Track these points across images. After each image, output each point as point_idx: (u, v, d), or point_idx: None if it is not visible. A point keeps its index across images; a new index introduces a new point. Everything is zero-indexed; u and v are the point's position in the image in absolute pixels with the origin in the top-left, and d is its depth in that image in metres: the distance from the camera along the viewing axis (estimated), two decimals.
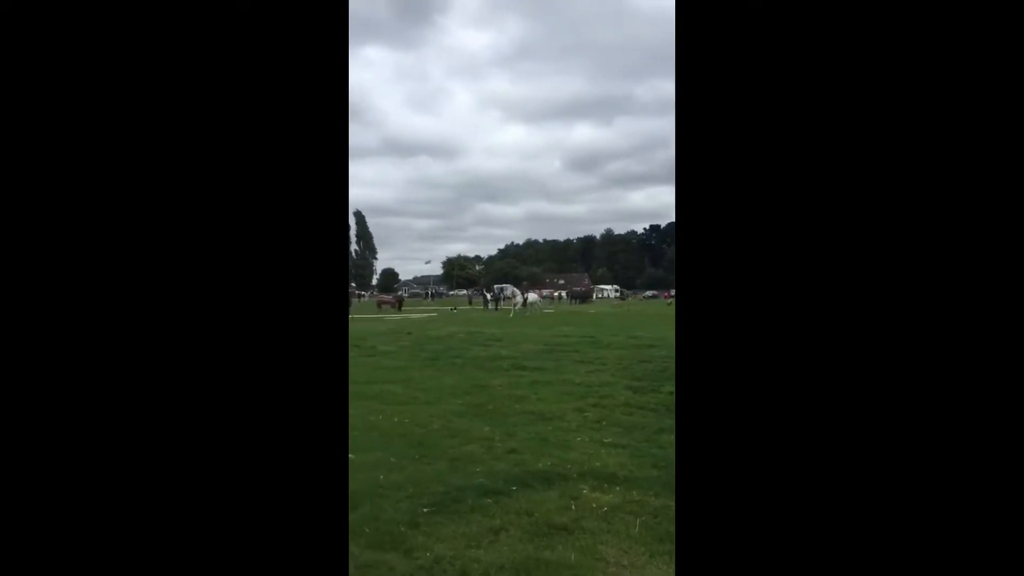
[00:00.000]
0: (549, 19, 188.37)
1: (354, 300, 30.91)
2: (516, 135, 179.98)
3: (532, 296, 26.27)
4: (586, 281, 79.02)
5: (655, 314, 25.64)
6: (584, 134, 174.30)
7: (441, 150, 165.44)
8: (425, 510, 2.94)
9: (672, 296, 50.60)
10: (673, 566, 2.34)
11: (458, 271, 79.33)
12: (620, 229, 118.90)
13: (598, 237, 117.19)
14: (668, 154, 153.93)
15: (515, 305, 25.22)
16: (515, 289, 29.86)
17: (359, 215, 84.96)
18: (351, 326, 17.86)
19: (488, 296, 35.57)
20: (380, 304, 31.57)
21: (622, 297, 64.66)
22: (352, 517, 2.87)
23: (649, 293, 73.55)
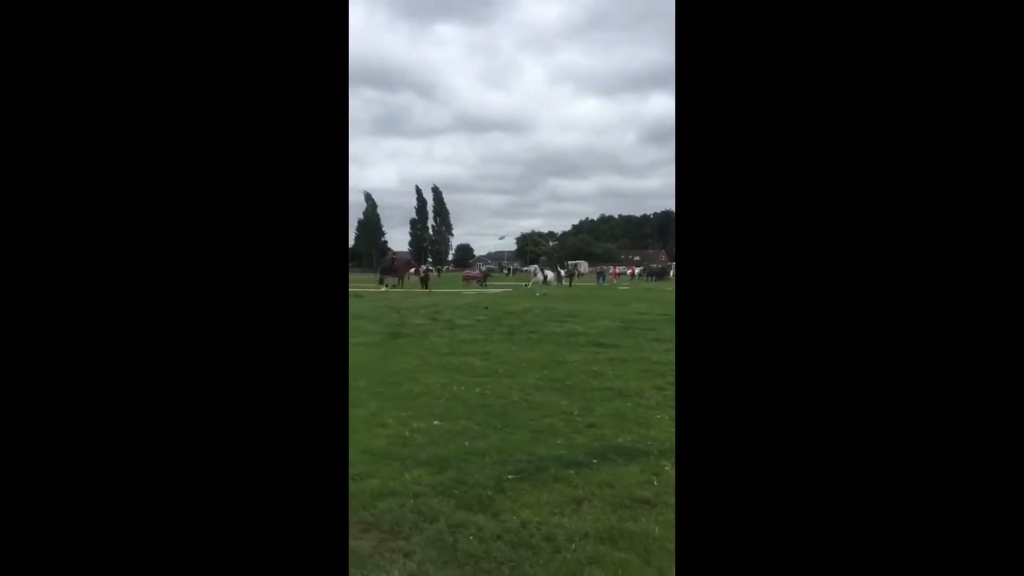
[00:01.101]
0: None
1: (433, 274, 31.58)
2: (589, 108, 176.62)
3: (550, 274, 25.53)
4: (663, 257, 76.95)
5: None
6: (659, 105, 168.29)
7: (513, 125, 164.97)
8: (510, 477, 3.07)
9: None
10: None
11: (532, 247, 79.52)
12: None
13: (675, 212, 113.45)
14: None
15: (536, 282, 24.58)
16: (536, 267, 29.20)
17: (436, 191, 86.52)
18: (430, 299, 18.10)
19: (562, 272, 35.61)
20: (467, 279, 32.15)
21: None
22: (441, 478, 3.05)
23: None
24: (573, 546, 2.35)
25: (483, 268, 45.21)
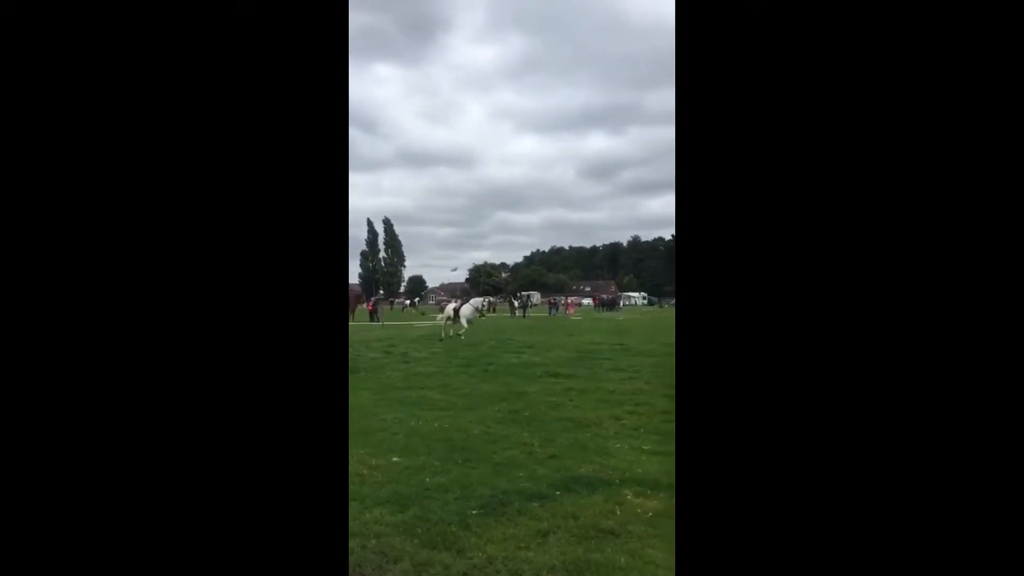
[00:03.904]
0: (550, 34, 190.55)
1: (386, 307, 30.96)
2: (530, 145, 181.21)
3: (466, 309, 16.30)
4: (613, 288, 78.54)
5: None
6: (597, 143, 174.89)
7: (457, 160, 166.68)
8: (474, 512, 3.02)
9: None
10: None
11: (485, 278, 79.65)
12: (642, 236, 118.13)
13: (624, 244, 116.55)
14: None
15: (446, 320, 16.03)
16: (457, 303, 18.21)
17: (387, 222, 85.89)
18: (382, 332, 17.65)
19: (516, 303, 35.70)
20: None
21: (651, 303, 64.11)
22: (404, 517, 2.97)
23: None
24: None
25: (523, 296, 43.68)
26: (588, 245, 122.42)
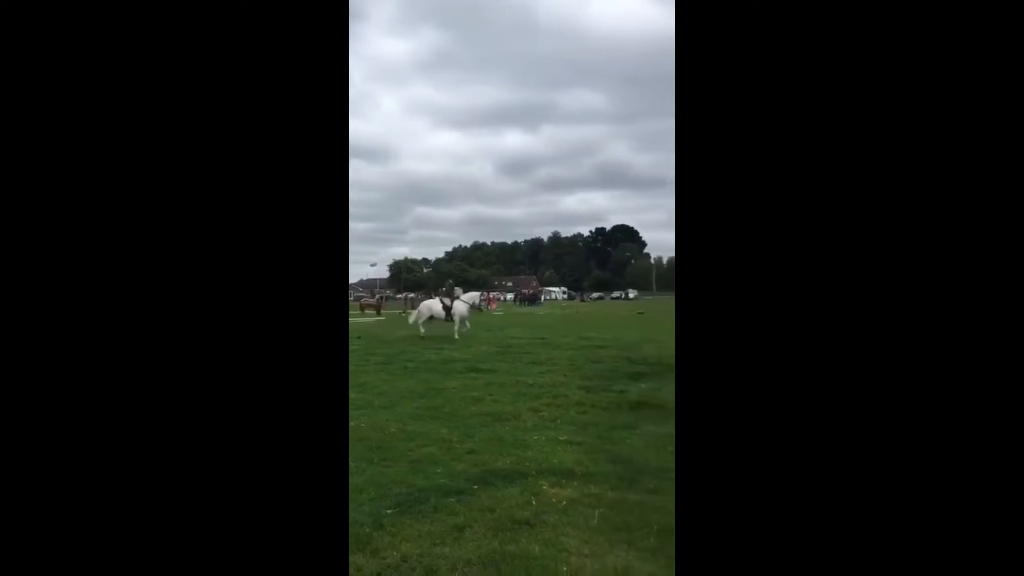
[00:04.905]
0: (464, 30, 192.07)
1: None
2: (447, 140, 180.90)
3: (460, 306, 13.86)
4: (535, 283, 79.68)
5: (603, 316, 26.19)
6: (513, 140, 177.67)
7: (373, 154, 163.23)
8: (389, 511, 2.97)
9: None
10: (631, 553, 2.47)
11: (406, 274, 78.39)
12: (560, 232, 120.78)
13: (545, 240, 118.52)
14: (595, 160, 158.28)
15: (427, 319, 14.03)
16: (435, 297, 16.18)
17: None
18: None
19: (447, 302, 35.29)
20: (364, 308, 30.42)
21: (571, 298, 65.67)
22: None
23: (595, 295, 74.93)
24: (456, 574, 2.33)
25: (380, 296, 42.37)
26: (510, 241, 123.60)
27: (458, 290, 15.92)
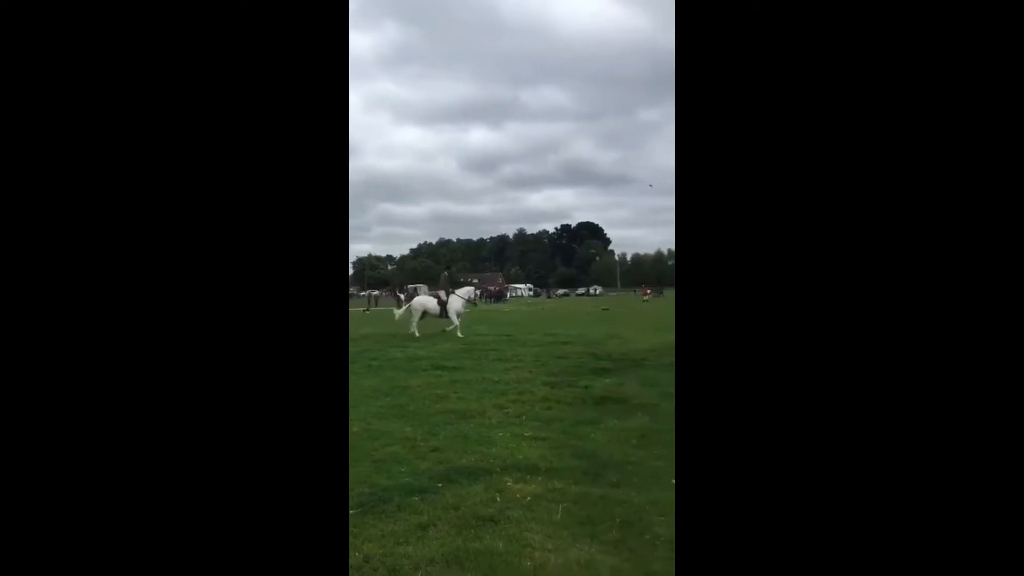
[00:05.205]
0: (426, 25, 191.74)
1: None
2: (410, 136, 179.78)
3: (455, 301, 13.08)
4: (500, 280, 79.74)
5: (569, 312, 26.40)
6: (478, 137, 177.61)
7: None
8: (352, 512, 2.93)
9: (649, 293, 51.11)
10: (594, 547, 2.50)
11: (370, 271, 77.40)
12: (526, 228, 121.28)
13: (511, 237, 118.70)
14: (560, 157, 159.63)
15: (418, 316, 13.20)
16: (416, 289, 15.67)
17: None
18: None
19: (403, 297, 35.09)
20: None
21: (537, 295, 65.97)
22: None
23: (561, 292, 75.48)
24: (420, 573, 2.32)
25: (374, 293, 41.21)
26: (475, 238, 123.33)
27: (421, 287, 15.19)
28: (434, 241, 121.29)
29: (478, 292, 16.22)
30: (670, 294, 57.84)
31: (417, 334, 12.57)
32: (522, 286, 73.70)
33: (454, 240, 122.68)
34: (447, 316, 12.95)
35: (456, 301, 13.12)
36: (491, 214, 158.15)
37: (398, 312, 13.92)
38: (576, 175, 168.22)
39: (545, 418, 4.97)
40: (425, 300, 13.59)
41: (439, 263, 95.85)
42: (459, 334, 12.43)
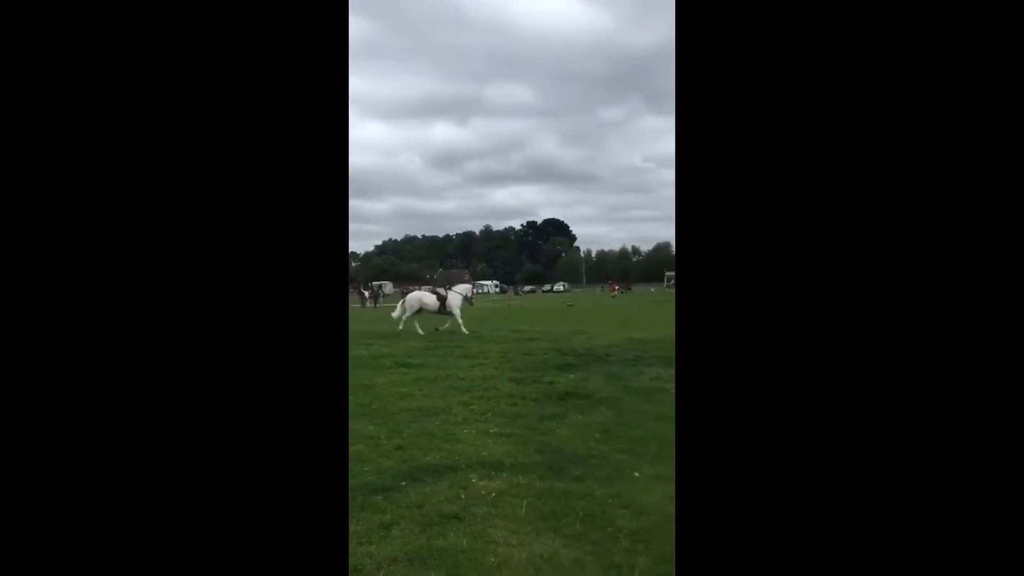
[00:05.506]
0: (389, 19, 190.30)
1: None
2: (373, 131, 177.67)
3: (454, 298, 12.97)
4: (467, 277, 79.39)
5: (535, 309, 26.51)
6: (442, 132, 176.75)
7: None
8: None
9: (617, 289, 51.22)
10: (557, 540, 2.53)
11: None
12: (492, 225, 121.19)
13: (477, 233, 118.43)
14: (524, 154, 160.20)
15: (413, 312, 13.05)
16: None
17: None
18: None
19: (366, 294, 34.61)
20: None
21: (504, 291, 65.98)
22: None
23: (527, 288, 75.73)
24: (382, 573, 2.30)
25: (375, 286, 40.23)
26: (441, 234, 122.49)
27: (386, 284, 14.79)
28: (399, 238, 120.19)
29: (475, 289, 15.93)
30: (638, 290, 58.69)
31: (421, 331, 12.30)
32: (488, 283, 73.62)
33: (419, 237, 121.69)
34: (445, 312, 12.79)
35: (455, 298, 12.94)
36: (457, 210, 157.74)
37: (395, 313, 13.43)
38: (541, 172, 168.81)
39: (510, 414, 4.98)
40: (423, 296, 13.28)
41: (404, 259, 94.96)
42: (464, 330, 12.26)
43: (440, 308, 12.81)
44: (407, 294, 13.99)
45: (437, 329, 12.57)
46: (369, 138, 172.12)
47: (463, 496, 3.07)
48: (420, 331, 12.30)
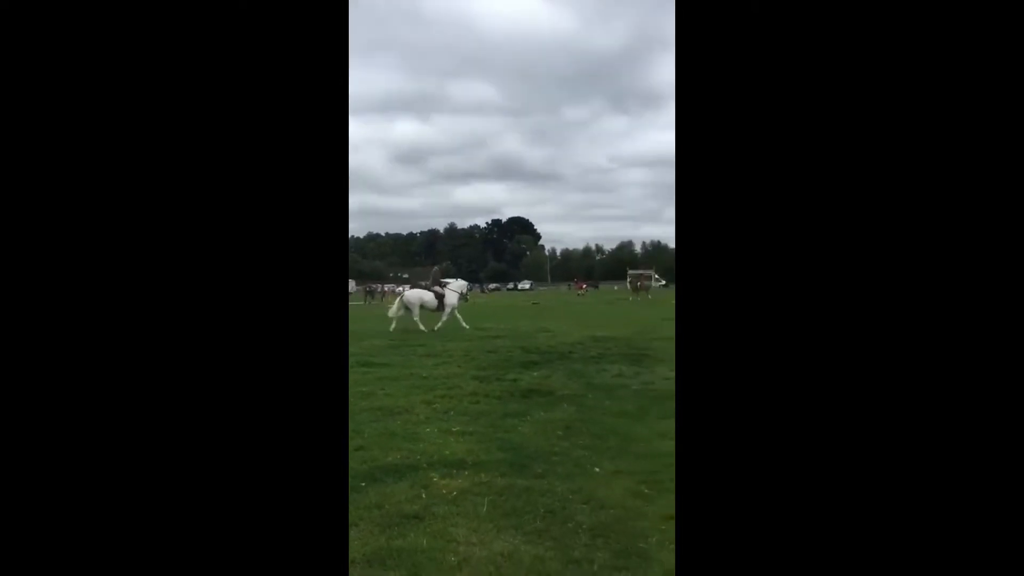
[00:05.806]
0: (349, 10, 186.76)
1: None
2: None
3: (451, 296, 13.20)
4: (437, 273, 78.59)
5: (500, 307, 26.52)
6: (406, 129, 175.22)
7: None
8: None
9: (585, 287, 51.27)
10: (518, 538, 2.53)
11: None
12: (456, 223, 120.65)
13: (441, 231, 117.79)
14: (489, 152, 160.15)
15: (405, 310, 12.98)
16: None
17: None
18: None
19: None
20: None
21: (469, 289, 65.67)
22: None
23: (492, 286, 75.70)
24: None
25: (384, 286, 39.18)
26: (405, 232, 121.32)
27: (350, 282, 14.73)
28: (362, 235, 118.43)
29: (469, 286, 16.20)
30: (603, 287, 59.26)
31: (424, 328, 12.24)
32: (453, 281, 73.10)
33: (383, 234, 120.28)
34: (443, 310, 12.90)
35: (452, 296, 13.14)
36: (421, 208, 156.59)
37: (391, 312, 13.18)
38: (505, 170, 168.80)
39: (473, 412, 4.97)
40: (421, 294, 13.31)
41: (366, 257, 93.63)
42: (464, 325, 12.44)
43: (439, 305, 12.95)
44: (401, 293, 14.10)
45: (435, 329, 12.51)
46: None
47: (424, 495, 3.04)
48: (423, 328, 12.31)
